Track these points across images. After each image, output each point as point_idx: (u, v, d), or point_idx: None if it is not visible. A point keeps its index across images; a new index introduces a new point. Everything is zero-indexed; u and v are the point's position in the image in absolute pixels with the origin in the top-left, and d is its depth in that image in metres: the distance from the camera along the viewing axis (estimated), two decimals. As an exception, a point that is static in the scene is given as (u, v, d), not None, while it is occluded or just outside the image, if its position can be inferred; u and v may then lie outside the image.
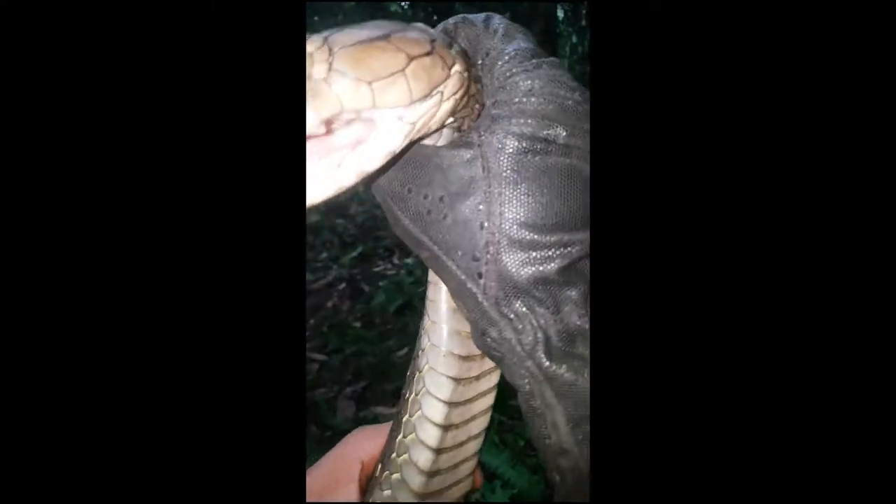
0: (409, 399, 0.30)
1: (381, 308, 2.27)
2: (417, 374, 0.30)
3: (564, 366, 0.21)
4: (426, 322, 0.29)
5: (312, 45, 0.20)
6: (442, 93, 0.19)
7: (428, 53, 0.19)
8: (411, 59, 0.18)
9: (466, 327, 0.24)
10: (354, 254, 2.98)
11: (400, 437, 0.30)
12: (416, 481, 0.29)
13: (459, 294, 0.21)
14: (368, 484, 0.33)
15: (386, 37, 0.19)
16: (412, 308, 2.24)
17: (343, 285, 2.57)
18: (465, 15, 0.23)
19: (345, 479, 0.32)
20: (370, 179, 0.22)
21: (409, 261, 2.85)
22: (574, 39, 5.38)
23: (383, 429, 0.33)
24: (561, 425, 0.21)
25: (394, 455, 0.31)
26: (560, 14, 4.31)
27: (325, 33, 0.20)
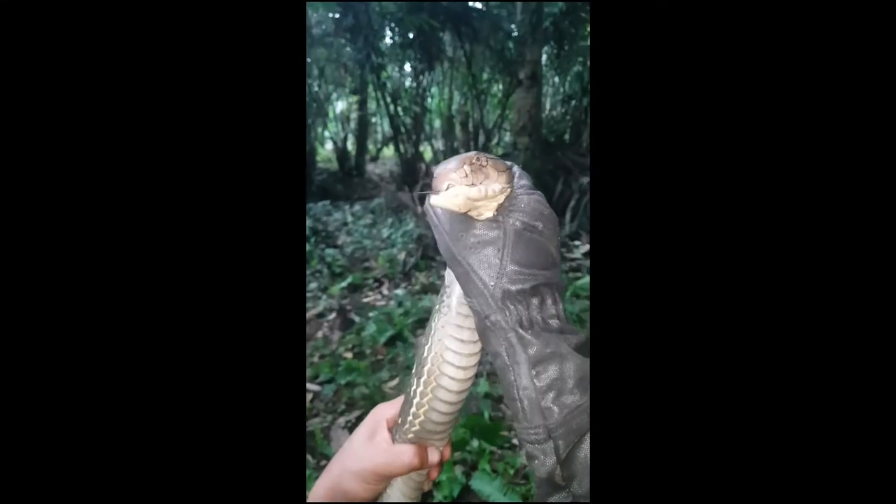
0: (428, 359, 0.44)
1: (371, 339, 2.30)
2: (430, 346, 0.44)
3: (529, 332, 0.37)
4: (442, 305, 0.45)
5: (480, 155, 0.38)
6: (507, 186, 0.39)
7: (508, 169, 0.39)
8: (507, 168, 0.39)
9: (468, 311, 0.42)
10: (344, 284, 3.02)
11: (419, 388, 0.45)
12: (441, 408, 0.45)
13: (475, 294, 0.38)
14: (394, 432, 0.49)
15: (504, 163, 0.39)
16: (402, 339, 2.29)
17: (333, 315, 2.60)
18: (509, 166, 0.41)
19: (379, 429, 0.50)
20: (468, 205, 0.39)
21: (398, 292, 2.91)
22: (556, 80, 5.72)
23: (398, 401, 0.50)
24: (523, 373, 0.36)
25: (413, 403, 0.46)
26: (544, 58, 4.59)
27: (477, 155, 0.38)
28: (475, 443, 1.54)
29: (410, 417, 0.47)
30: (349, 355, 2.22)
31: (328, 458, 1.58)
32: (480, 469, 1.45)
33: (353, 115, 6.82)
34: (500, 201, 0.38)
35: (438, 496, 1.39)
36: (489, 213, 0.39)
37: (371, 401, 1.85)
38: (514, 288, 0.37)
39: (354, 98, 6.48)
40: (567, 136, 4.71)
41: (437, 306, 0.45)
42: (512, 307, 0.37)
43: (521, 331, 0.36)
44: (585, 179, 3.71)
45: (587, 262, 3.16)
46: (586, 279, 2.79)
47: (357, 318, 2.57)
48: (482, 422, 1.59)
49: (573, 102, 5.06)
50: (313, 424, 1.75)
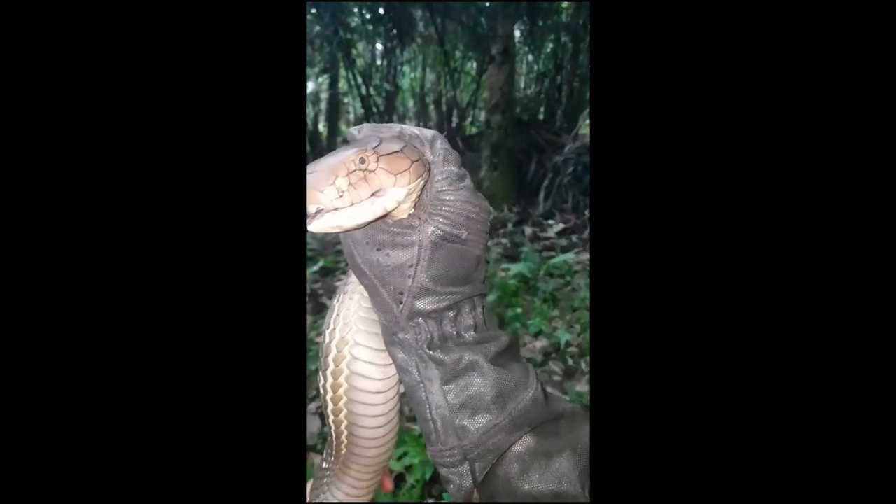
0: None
1: (344, 323, 2.27)
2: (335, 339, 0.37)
3: (439, 350, 0.33)
4: (346, 289, 0.38)
5: (367, 152, 0.30)
6: (414, 186, 0.32)
7: (418, 160, 0.32)
8: (412, 162, 0.31)
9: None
10: (315, 268, 2.96)
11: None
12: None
13: (382, 309, 0.34)
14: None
15: (402, 149, 0.31)
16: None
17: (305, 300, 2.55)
18: (417, 132, 0.34)
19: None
20: (356, 227, 0.32)
21: (371, 274, 2.87)
22: (530, 58, 5.64)
23: None
24: (435, 390, 0.33)
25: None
26: (517, 34, 4.51)
27: (371, 144, 0.31)
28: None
29: (332, 427, 0.39)
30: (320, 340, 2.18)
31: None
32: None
33: (324, 96, 6.61)
34: (416, 195, 0.32)
35: (410, 479, 1.38)
36: (404, 214, 0.33)
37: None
38: (426, 308, 0.32)
39: (324, 77, 6.27)
40: (541, 115, 4.67)
41: (339, 285, 0.38)
42: (424, 324, 0.33)
43: (431, 351, 0.33)
44: (559, 158, 3.70)
45: (561, 241, 3.18)
46: (560, 258, 2.80)
47: (328, 302, 2.52)
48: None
49: (547, 80, 5.01)
50: (283, 411, 1.71)
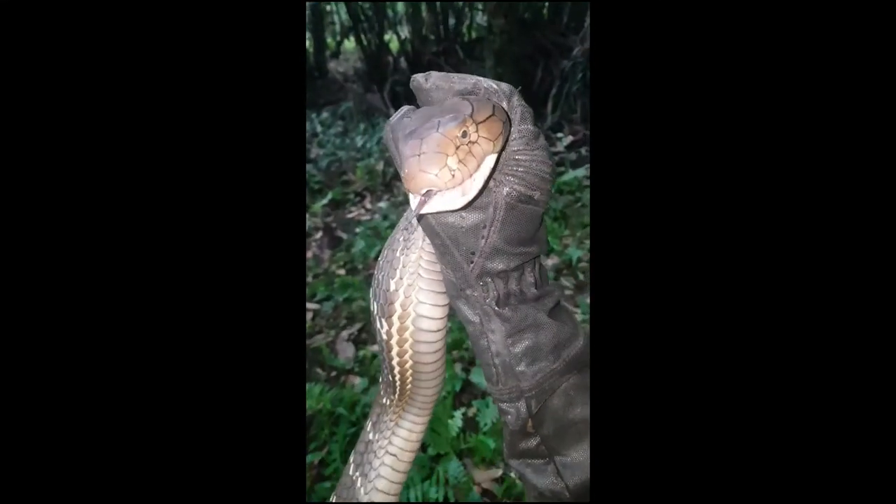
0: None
1: (361, 255, 2.33)
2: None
3: (507, 308, 0.35)
4: (409, 239, 0.39)
5: (468, 123, 0.30)
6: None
7: (507, 120, 0.31)
8: (503, 124, 0.31)
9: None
10: (324, 201, 2.96)
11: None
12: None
13: (452, 267, 0.35)
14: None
15: (494, 111, 0.31)
16: (392, 252, 2.32)
17: (320, 234, 2.59)
18: (495, 86, 0.32)
19: None
20: (465, 206, 0.32)
21: (382, 205, 2.87)
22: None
23: None
24: (498, 340, 0.35)
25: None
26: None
27: (466, 111, 0.30)
28: (472, 343, 1.66)
29: (396, 368, 0.42)
30: (342, 272, 2.26)
31: (336, 369, 1.70)
32: (478, 364, 1.58)
33: (307, 5, 5.99)
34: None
35: (442, 392, 1.54)
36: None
37: (370, 312, 1.93)
38: (497, 268, 0.34)
39: (302, -18, 5.63)
40: (545, 13, 4.26)
41: (399, 236, 0.39)
42: (492, 283, 0.34)
43: (497, 307, 0.35)
44: (567, 63, 3.46)
45: (570, 156, 3.10)
46: (569, 174, 2.76)
47: (344, 235, 2.57)
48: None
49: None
50: (318, 340, 1.84)
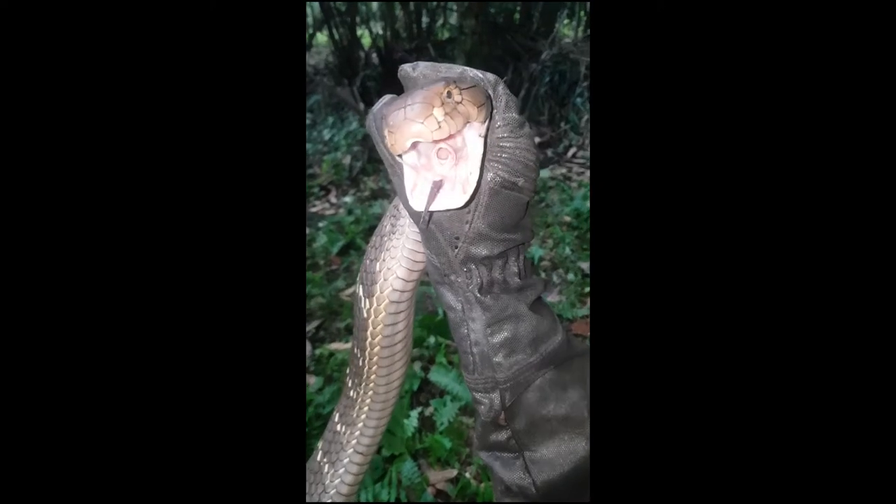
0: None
1: (323, 250, 2.28)
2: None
3: (488, 296, 0.35)
4: (396, 224, 0.41)
5: (451, 86, 0.30)
6: (483, 128, 0.32)
7: (490, 99, 0.32)
8: (487, 97, 0.31)
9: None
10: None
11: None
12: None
13: (436, 252, 0.35)
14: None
15: (477, 84, 0.31)
16: (355, 247, 2.28)
17: (281, 228, 2.51)
18: (480, 75, 0.33)
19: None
20: (468, 202, 0.33)
21: (347, 199, 2.82)
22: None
23: None
24: (478, 328, 0.36)
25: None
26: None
27: (450, 77, 0.30)
28: (431, 339, 1.65)
29: (367, 340, 0.44)
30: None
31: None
32: (437, 363, 1.57)
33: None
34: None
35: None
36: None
37: (329, 310, 1.90)
38: (480, 254, 0.34)
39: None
40: (517, 17, 4.32)
41: (387, 223, 0.41)
42: (475, 269, 0.35)
43: (479, 294, 0.35)
44: (535, 66, 3.52)
45: (537, 157, 3.14)
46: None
47: (307, 230, 2.50)
48: (437, 319, 1.68)
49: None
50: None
